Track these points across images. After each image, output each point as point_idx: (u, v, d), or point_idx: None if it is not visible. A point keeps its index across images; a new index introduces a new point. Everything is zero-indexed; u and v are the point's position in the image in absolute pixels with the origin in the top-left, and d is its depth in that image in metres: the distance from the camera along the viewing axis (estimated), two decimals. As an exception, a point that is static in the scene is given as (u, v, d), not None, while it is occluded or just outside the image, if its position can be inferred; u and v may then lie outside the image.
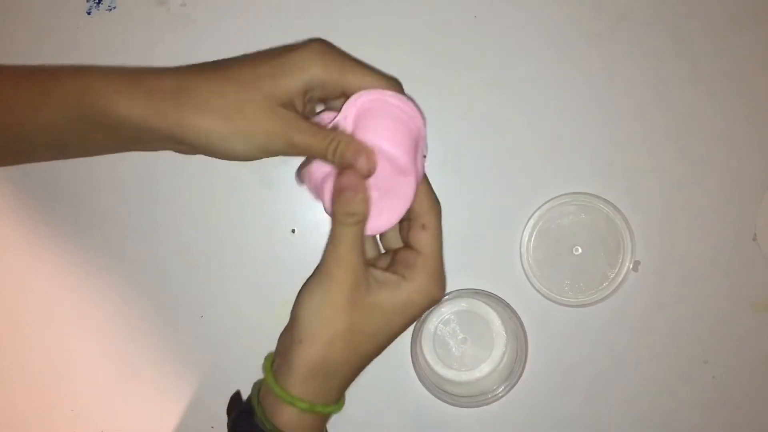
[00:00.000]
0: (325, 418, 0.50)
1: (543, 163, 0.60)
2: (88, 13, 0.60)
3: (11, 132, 0.50)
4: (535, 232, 0.60)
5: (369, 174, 0.47)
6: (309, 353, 0.48)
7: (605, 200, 0.59)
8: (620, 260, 0.60)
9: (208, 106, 0.47)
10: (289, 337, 0.49)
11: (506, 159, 0.60)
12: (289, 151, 0.48)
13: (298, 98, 0.48)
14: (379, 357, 0.59)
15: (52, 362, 0.61)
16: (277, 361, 0.50)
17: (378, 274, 0.49)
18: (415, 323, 0.58)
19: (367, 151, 0.47)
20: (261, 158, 0.48)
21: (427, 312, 0.58)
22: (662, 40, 0.60)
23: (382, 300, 0.48)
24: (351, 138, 0.47)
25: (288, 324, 0.50)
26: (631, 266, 0.60)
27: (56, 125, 0.49)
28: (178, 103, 0.47)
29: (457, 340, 0.60)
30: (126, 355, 0.60)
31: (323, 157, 0.48)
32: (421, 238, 0.50)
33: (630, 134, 0.60)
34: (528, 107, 0.60)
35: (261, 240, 0.60)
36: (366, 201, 0.47)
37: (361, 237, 0.48)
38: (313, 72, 0.47)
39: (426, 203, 0.50)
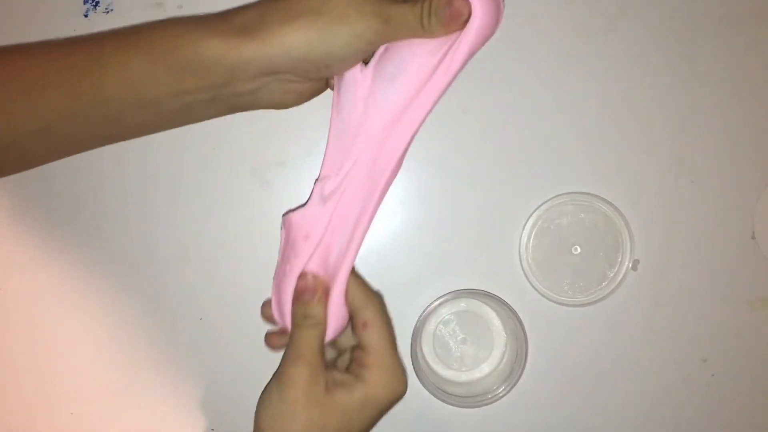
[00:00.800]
0: None
1: (541, 163, 0.60)
2: (86, 16, 0.60)
3: (95, 96, 0.48)
4: (534, 232, 0.60)
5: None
6: None
7: (604, 200, 0.59)
8: (619, 259, 0.60)
9: (293, 15, 0.45)
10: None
11: (504, 159, 0.60)
12: (386, 32, 0.46)
13: None
14: None
15: (51, 365, 0.60)
16: None
17: (336, 375, 0.49)
18: (415, 324, 0.59)
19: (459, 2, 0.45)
20: (358, 57, 0.47)
21: (426, 313, 0.58)
22: (659, 39, 0.60)
23: (340, 399, 0.48)
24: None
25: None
26: (630, 265, 0.60)
27: (145, 79, 0.47)
28: (264, 26, 0.45)
29: (457, 340, 0.60)
30: (125, 357, 0.60)
31: (419, 26, 0.46)
32: (365, 336, 0.49)
33: (628, 133, 0.60)
34: (525, 107, 0.60)
35: (260, 242, 0.60)
36: (323, 304, 0.48)
37: (321, 339, 0.49)
38: None
39: (360, 299, 0.50)
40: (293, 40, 0.45)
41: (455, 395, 0.59)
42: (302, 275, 0.49)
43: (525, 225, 0.60)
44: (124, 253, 0.60)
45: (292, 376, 0.47)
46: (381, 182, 0.49)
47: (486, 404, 0.59)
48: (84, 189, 0.60)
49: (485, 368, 0.59)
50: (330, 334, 0.50)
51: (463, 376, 0.59)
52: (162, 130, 0.52)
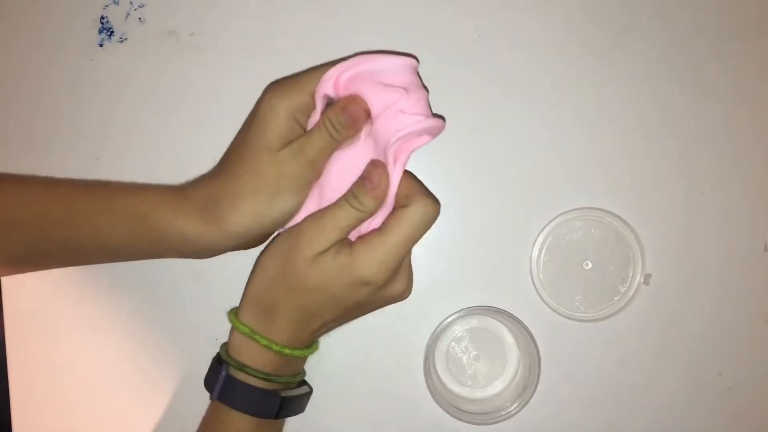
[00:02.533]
0: (274, 356, 0.53)
1: (551, 179, 0.61)
2: (100, 45, 0.61)
3: (63, 242, 0.54)
4: (544, 248, 0.60)
5: (367, 112, 0.50)
6: (254, 285, 0.53)
7: (614, 214, 0.60)
8: (631, 274, 0.60)
9: (239, 199, 0.50)
10: (250, 274, 0.54)
11: (514, 176, 0.61)
12: (313, 168, 0.51)
13: (289, 134, 0.51)
14: (393, 376, 0.60)
15: (65, 385, 0.61)
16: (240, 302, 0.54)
17: (342, 242, 0.51)
18: (428, 341, 0.59)
19: (351, 98, 0.50)
20: (305, 193, 0.52)
21: (439, 330, 0.59)
22: (667, 54, 0.60)
23: (325, 260, 0.50)
24: (336, 107, 0.50)
25: None
26: (642, 280, 0.60)
27: (114, 239, 0.53)
28: (219, 212, 0.51)
29: (470, 357, 0.60)
30: (142, 379, 0.61)
31: (332, 140, 0.50)
32: (387, 219, 0.51)
33: (637, 148, 0.60)
34: (534, 124, 0.61)
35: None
36: (378, 202, 0.50)
37: (354, 224, 0.50)
38: (280, 108, 0.50)
39: (407, 195, 0.51)
40: (246, 222, 0.50)
41: (469, 412, 0.59)
42: (376, 164, 0.50)
43: (535, 241, 0.60)
44: (141, 277, 0.61)
45: (305, 234, 0.50)
46: None
47: (500, 421, 0.59)
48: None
49: (499, 385, 0.60)
50: (374, 224, 0.51)
51: (477, 393, 0.59)
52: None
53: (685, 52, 0.61)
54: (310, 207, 0.52)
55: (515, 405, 0.59)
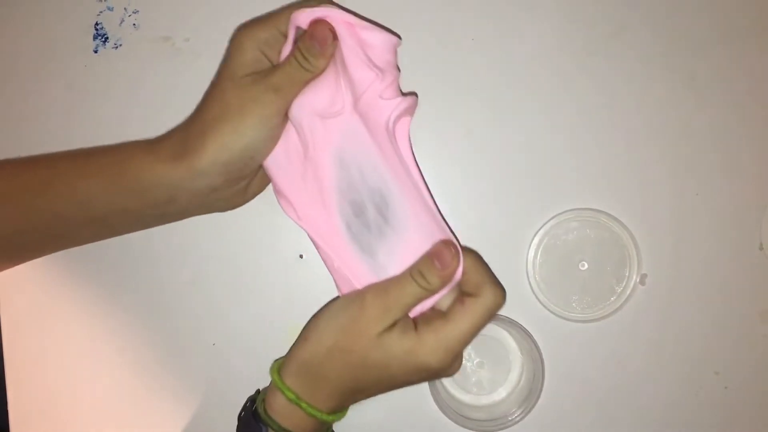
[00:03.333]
0: (315, 422, 0.52)
1: (546, 180, 0.61)
2: (95, 52, 0.61)
3: (47, 213, 0.53)
4: (540, 249, 0.60)
5: (334, 34, 0.50)
6: (307, 350, 0.51)
7: (609, 215, 0.60)
8: (627, 274, 0.60)
9: (206, 129, 0.50)
10: (301, 336, 0.52)
11: (508, 178, 0.61)
12: (282, 98, 0.50)
13: (254, 65, 0.51)
14: (397, 390, 0.60)
15: (63, 390, 0.61)
16: (284, 359, 0.53)
17: (407, 322, 0.51)
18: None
19: (317, 22, 0.50)
20: (273, 136, 0.51)
21: None
22: (659, 55, 0.61)
23: (390, 340, 0.49)
24: (304, 35, 0.50)
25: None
26: (638, 280, 0.60)
27: (92, 199, 0.52)
28: (189, 147, 0.50)
29: (474, 364, 0.60)
30: (138, 382, 0.61)
31: (301, 68, 0.50)
32: (454, 309, 0.51)
33: (631, 148, 0.61)
34: (529, 125, 0.61)
35: (269, 266, 0.61)
36: (444, 281, 0.50)
37: (417, 301, 0.51)
38: (245, 40, 0.51)
39: (477, 280, 0.51)
40: (213, 154, 0.50)
41: (476, 420, 0.59)
42: (447, 243, 0.50)
43: (531, 242, 0.60)
44: (138, 281, 0.61)
45: (368, 308, 0.50)
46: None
47: (507, 426, 0.59)
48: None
49: (503, 391, 0.59)
50: (429, 303, 0.51)
51: (482, 400, 0.59)
52: (115, 236, 0.58)
53: (678, 53, 0.61)
54: (301, 186, 0.52)
55: (522, 409, 0.59)
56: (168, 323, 0.61)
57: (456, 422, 0.59)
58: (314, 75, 0.51)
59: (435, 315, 0.51)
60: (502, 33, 0.61)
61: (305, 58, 0.50)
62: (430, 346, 0.49)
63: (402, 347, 0.49)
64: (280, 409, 0.52)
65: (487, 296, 0.50)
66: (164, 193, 0.51)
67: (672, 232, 0.60)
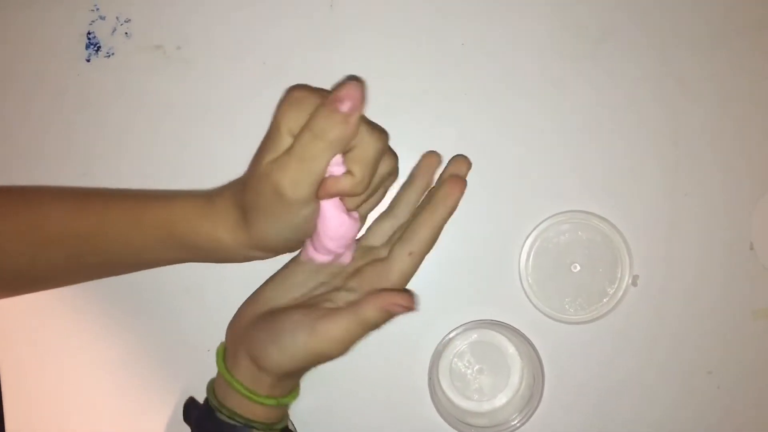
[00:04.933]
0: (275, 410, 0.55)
1: (536, 183, 0.61)
2: (87, 60, 0.62)
3: (98, 258, 0.55)
4: (533, 252, 0.60)
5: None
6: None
7: (600, 217, 0.60)
8: (619, 275, 0.60)
9: (261, 211, 0.50)
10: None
11: (499, 181, 0.61)
12: (311, 171, 0.49)
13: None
14: (398, 400, 0.61)
15: (58, 396, 0.61)
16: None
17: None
18: (430, 360, 0.59)
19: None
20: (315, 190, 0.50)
21: (440, 347, 0.59)
22: (647, 57, 0.61)
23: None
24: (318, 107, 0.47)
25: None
26: (630, 281, 0.60)
27: (146, 251, 0.55)
28: (247, 223, 0.51)
29: (474, 371, 0.60)
30: (133, 389, 0.61)
31: (322, 143, 0.47)
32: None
33: (620, 151, 0.61)
34: (518, 129, 0.61)
35: (265, 272, 0.61)
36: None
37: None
38: (282, 126, 0.49)
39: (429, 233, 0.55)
40: (268, 232, 0.51)
41: (478, 426, 0.59)
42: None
43: (523, 245, 0.60)
44: (134, 289, 0.61)
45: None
46: None
47: (512, 430, 0.59)
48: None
49: (505, 396, 0.59)
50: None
51: (484, 406, 0.59)
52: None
53: (667, 55, 0.61)
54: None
55: (523, 414, 0.59)
56: (163, 329, 0.61)
57: (457, 429, 0.59)
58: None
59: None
60: (492, 37, 0.61)
61: (323, 131, 0.46)
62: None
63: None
64: (264, 412, 0.54)
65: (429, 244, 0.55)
66: (220, 255, 0.54)
67: (663, 233, 0.61)
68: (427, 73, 0.61)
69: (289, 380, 0.55)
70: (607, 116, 0.61)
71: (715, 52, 0.61)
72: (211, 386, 0.56)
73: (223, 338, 0.61)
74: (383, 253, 0.56)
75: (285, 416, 0.57)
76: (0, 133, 0.62)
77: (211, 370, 0.61)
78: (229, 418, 0.53)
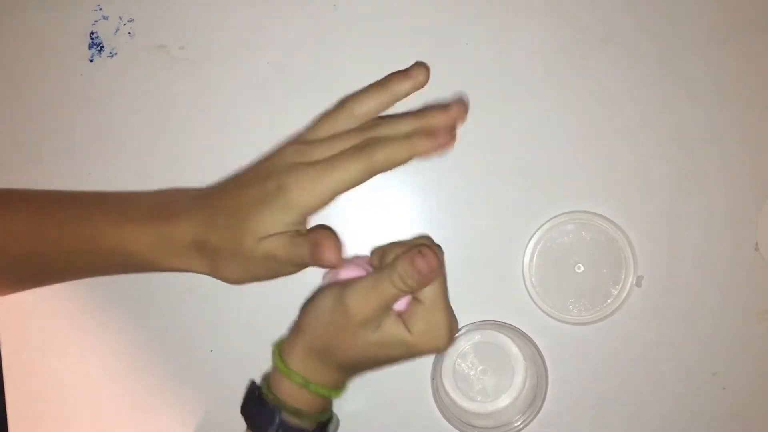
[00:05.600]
0: (321, 399, 0.54)
1: (540, 183, 0.61)
2: (91, 60, 0.62)
3: (61, 273, 0.57)
4: (536, 253, 0.60)
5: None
6: (306, 340, 0.53)
7: (604, 217, 0.60)
8: (623, 276, 0.60)
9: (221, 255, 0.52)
10: (296, 326, 0.54)
11: (503, 181, 0.61)
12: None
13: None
14: (402, 401, 0.61)
15: (59, 397, 0.61)
16: (284, 347, 0.55)
17: (392, 321, 0.52)
18: (433, 361, 0.59)
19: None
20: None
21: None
22: (651, 57, 0.61)
23: (383, 333, 0.52)
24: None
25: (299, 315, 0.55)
26: (634, 282, 0.60)
27: (102, 269, 0.56)
28: (213, 265, 0.53)
29: (477, 372, 0.60)
30: (135, 389, 0.61)
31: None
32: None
33: (625, 151, 0.61)
34: (522, 129, 0.61)
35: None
36: (425, 282, 0.51)
37: (392, 303, 0.52)
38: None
39: None
40: (237, 275, 0.54)
41: (482, 427, 0.59)
42: (427, 252, 0.51)
43: (527, 246, 0.60)
44: (137, 288, 0.61)
45: (354, 310, 0.51)
46: None
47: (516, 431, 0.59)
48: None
49: (508, 397, 0.59)
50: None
51: (488, 407, 0.59)
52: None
53: (672, 56, 0.61)
54: None
55: (526, 415, 0.59)
56: (166, 330, 0.61)
57: (460, 430, 0.59)
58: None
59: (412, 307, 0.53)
60: (496, 37, 0.61)
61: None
62: (421, 333, 0.52)
63: (397, 337, 0.52)
64: (288, 391, 0.53)
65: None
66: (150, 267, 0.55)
67: (667, 234, 0.60)
68: (431, 73, 0.61)
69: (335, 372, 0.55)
70: (611, 116, 0.61)
71: (720, 52, 0.61)
72: (266, 379, 0.56)
73: (226, 338, 0.61)
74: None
75: (328, 409, 0.57)
76: (3, 133, 0.62)
77: (213, 371, 0.61)
78: (265, 394, 0.54)
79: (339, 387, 0.55)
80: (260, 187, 0.51)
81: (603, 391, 0.61)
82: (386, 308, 0.51)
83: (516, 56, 0.61)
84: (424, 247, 0.51)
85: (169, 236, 0.52)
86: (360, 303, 0.50)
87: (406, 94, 0.54)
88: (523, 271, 0.60)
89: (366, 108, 0.53)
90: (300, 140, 0.54)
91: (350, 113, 0.53)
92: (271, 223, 0.50)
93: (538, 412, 0.59)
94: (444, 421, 0.59)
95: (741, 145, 0.61)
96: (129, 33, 0.62)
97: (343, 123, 0.53)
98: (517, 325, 0.60)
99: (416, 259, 0.49)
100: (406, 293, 0.51)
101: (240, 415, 0.55)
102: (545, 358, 0.60)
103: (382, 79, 0.54)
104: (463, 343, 0.59)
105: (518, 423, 0.59)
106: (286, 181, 0.50)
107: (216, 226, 0.52)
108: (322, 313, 0.52)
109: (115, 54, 0.62)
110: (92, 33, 0.62)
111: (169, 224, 0.53)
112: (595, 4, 0.61)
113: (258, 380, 0.58)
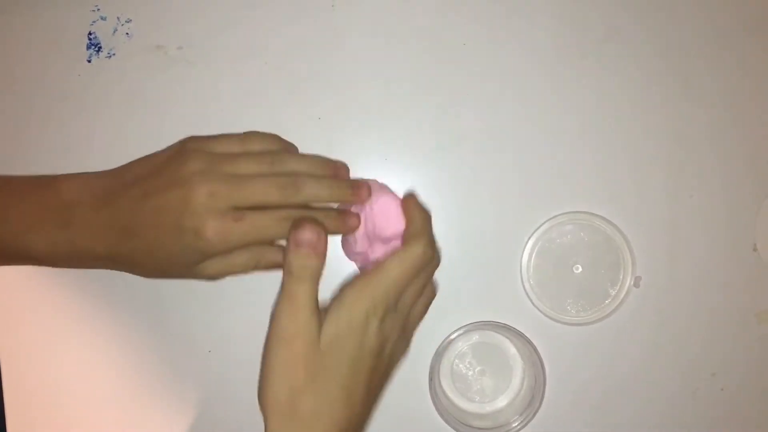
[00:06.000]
0: None
1: (539, 184, 0.61)
2: (89, 61, 0.62)
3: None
4: (534, 253, 0.60)
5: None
6: (276, 416, 0.48)
7: (603, 218, 0.60)
8: (621, 277, 0.60)
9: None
10: (261, 398, 0.49)
11: (502, 181, 0.61)
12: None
13: None
14: (399, 401, 0.60)
15: (57, 398, 0.61)
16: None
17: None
18: (431, 362, 0.59)
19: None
20: None
21: (441, 349, 0.59)
22: (651, 58, 0.61)
23: (330, 334, 0.47)
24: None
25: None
26: (632, 282, 0.60)
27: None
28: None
29: (475, 372, 0.60)
30: (133, 390, 0.61)
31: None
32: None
33: (624, 152, 0.61)
34: (521, 129, 0.61)
35: (266, 274, 0.61)
36: (322, 256, 0.47)
37: (316, 292, 0.48)
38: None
39: (415, 231, 0.51)
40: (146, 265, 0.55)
41: (480, 428, 0.59)
42: (301, 224, 0.48)
43: (525, 246, 0.60)
44: (135, 289, 0.61)
45: (293, 343, 0.47)
46: None
47: None
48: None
49: (506, 398, 0.59)
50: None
51: (486, 408, 0.59)
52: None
53: (671, 56, 0.61)
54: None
55: (524, 416, 0.59)
56: (164, 331, 0.61)
57: (458, 431, 0.59)
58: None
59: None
60: (494, 37, 0.61)
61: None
62: (354, 288, 0.48)
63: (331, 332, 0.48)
64: None
65: (411, 247, 0.49)
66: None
67: (666, 234, 0.60)
68: (429, 74, 0.61)
69: None
70: (610, 116, 0.61)
71: (720, 53, 0.61)
72: None
73: (224, 339, 0.61)
74: None
75: None
76: (1, 134, 0.62)
77: (212, 371, 0.61)
78: None
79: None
80: (175, 219, 0.50)
81: (601, 391, 0.61)
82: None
83: (515, 56, 0.61)
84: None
85: (80, 251, 0.53)
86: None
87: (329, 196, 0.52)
88: (521, 271, 0.60)
89: (288, 159, 0.53)
90: (205, 149, 0.52)
91: (268, 144, 0.54)
92: (193, 264, 0.52)
93: (536, 412, 0.59)
94: (442, 422, 0.59)
95: (740, 145, 0.61)
96: (127, 33, 0.62)
97: (257, 145, 0.54)
98: (515, 326, 0.60)
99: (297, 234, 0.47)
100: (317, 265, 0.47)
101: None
102: (543, 359, 0.60)
103: (329, 162, 0.54)
104: (461, 344, 0.59)
105: (516, 423, 0.59)
106: (203, 228, 0.50)
107: (133, 249, 0.52)
108: (281, 370, 0.49)
109: (113, 54, 0.62)
110: (90, 33, 0.62)
111: (80, 238, 0.52)
112: (595, 4, 0.61)
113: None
